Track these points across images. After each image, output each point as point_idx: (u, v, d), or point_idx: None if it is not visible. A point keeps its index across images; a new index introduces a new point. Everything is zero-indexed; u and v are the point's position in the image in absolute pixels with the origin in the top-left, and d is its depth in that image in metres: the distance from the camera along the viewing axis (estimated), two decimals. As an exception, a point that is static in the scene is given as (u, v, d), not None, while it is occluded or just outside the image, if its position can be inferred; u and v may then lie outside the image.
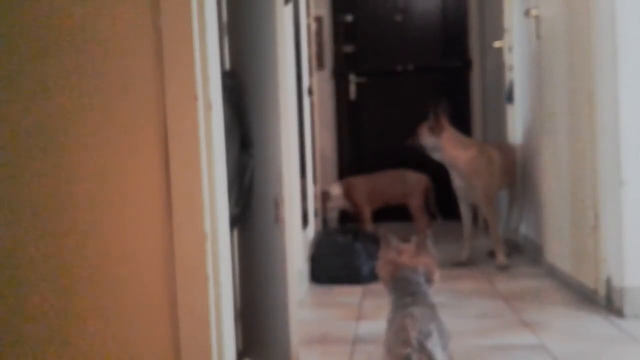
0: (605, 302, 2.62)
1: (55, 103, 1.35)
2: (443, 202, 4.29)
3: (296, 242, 2.74)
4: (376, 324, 2.45)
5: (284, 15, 2.18)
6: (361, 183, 4.32)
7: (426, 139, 3.58)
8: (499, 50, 4.30)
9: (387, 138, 5.23)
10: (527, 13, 3.48)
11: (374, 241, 3.41)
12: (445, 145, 3.57)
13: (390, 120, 5.24)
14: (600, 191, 2.62)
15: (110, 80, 1.34)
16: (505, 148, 3.89)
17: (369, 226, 4.18)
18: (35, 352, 1.37)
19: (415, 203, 4.22)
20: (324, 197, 4.29)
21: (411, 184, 4.25)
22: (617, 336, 2.32)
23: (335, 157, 5.29)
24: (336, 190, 4.30)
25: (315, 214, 4.04)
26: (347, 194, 4.28)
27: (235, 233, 1.98)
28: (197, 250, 1.33)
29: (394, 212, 4.33)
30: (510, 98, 4.07)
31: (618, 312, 2.52)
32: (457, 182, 3.62)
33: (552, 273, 3.27)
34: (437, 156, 3.62)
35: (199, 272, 1.33)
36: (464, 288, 3.15)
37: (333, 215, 4.96)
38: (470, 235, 3.73)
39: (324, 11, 5.08)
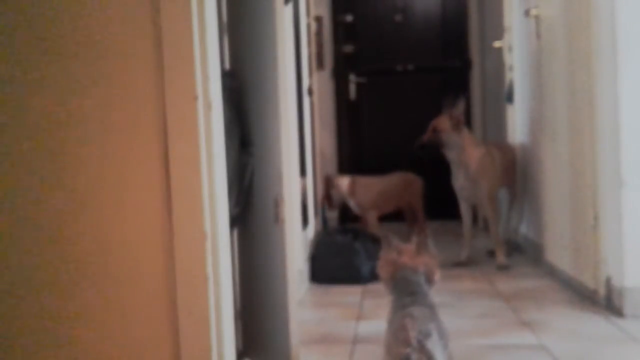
0: (605, 302, 2.62)
1: (54, 103, 1.35)
2: (443, 203, 4.29)
3: (296, 242, 2.74)
4: (376, 324, 2.45)
5: (284, 15, 2.18)
6: (369, 184, 4.14)
7: (449, 135, 3.52)
8: (499, 50, 4.30)
9: (387, 138, 5.24)
10: (527, 13, 3.48)
11: (374, 241, 3.41)
12: (465, 142, 3.55)
13: (390, 120, 5.25)
14: (600, 191, 2.62)
15: (110, 80, 1.34)
16: (504, 148, 3.89)
17: (374, 230, 3.99)
18: (34, 352, 1.37)
19: (419, 205, 4.20)
20: (327, 183, 4.10)
21: (415, 186, 4.22)
22: (617, 336, 2.32)
23: (335, 157, 5.30)
24: (344, 182, 4.10)
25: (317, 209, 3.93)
26: (352, 191, 4.10)
27: (235, 233, 1.98)
28: (197, 250, 1.33)
29: (394, 212, 4.33)
30: (510, 98, 4.08)
31: (618, 312, 2.52)
32: (461, 181, 3.61)
33: (552, 273, 3.27)
34: (451, 154, 3.56)
35: (199, 272, 1.33)
36: (464, 288, 3.15)
37: (333, 215, 4.96)
38: (470, 235, 3.72)
39: (324, 11, 5.08)
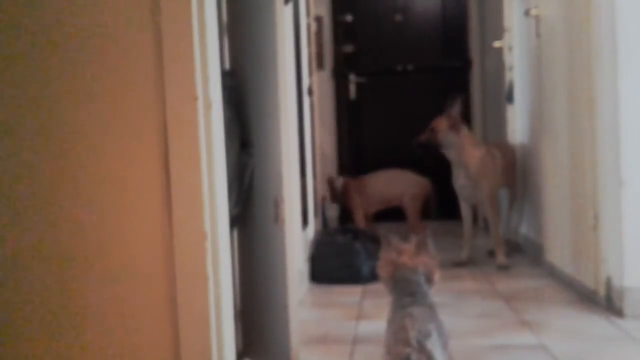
0: (605, 302, 2.62)
1: (55, 103, 1.35)
2: (442, 202, 4.29)
3: (296, 242, 2.74)
4: (376, 324, 2.45)
5: (284, 15, 2.18)
6: (353, 184, 4.31)
7: (446, 135, 3.53)
8: (499, 50, 4.30)
9: (387, 138, 5.24)
10: (527, 13, 3.48)
11: (374, 241, 3.41)
12: (464, 142, 3.55)
13: (390, 120, 5.25)
14: (600, 191, 2.62)
15: (110, 80, 1.34)
16: (505, 148, 3.89)
17: (361, 226, 4.17)
18: (34, 351, 1.37)
19: (410, 206, 4.19)
20: (330, 182, 4.36)
21: (409, 186, 4.22)
22: (617, 336, 2.32)
23: (335, 157, 5.30)
24: (339, 183, 4.36)
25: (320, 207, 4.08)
26: (342, 191, 4.32)
27: (235, 233, 1.98)
28: (197, 250, 1.33)
29: (394, 212, 4.33)
30: (510, 98, 4.07)
31: (618, 312, 2.52)
32: (462, 181, 3.61)
33: (552, 273, 3.27)
34: (451, 154, 3.57)
35: (199, 272, 1.33)
36: (464, 288, 3.15)
37: (333, 214, 4.96)
38: (470, 235, 3.72)
39: (324, 11, 5.08)
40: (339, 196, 4.38)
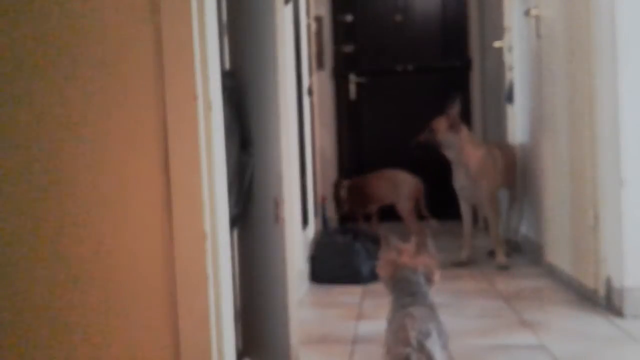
0: (605, 302, 2.62)
1: (55, 103, 1.35)
2: (443, 203, 4.29)
3: (296, 242, 2.74)
4: (376, 324, 2.45)
5: (284, 15, 2.18)
6: (347, 184, 4.40)
7: (445, 135, 3.54)
8: (499, 50, 4.30)
9: (387, 138, 5.24)
10: (527, 13, 3.48)
11: (374, 241, 3.41)
12: (464, 142, 3.55)
13: (390, 120, 5.24)
14: (600, 191, 2.62)
15: (110, 80, 1.34)
16: (505, 148, 3.90)
17: (361, 225, 4.24)
18: (34, 351, 1.37)
19: (402, 206, 4.19)
20: (337, 185, 4.44)
21: (399, 186, 4.21)
22: (617, 336, 2.32)
23: (335, 157, 5.30)
24: (345, 185, 4.45)
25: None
26: (348, 194, 4.37)
27: (235, 233, 1.98)
28: (197, 250, 1.33)
29: (394, 212, 4.32)
30: (510, 98, 4.08)
31: (618, 312, 2.52)
32: (462, 181, 3.61)
33: (552, 273, 3.27)
34: (451, 154, 3.58)
35: (199, 272, 1.33)
36: (464, 288, 3.15)
37: (333, 215, 4.96)
38: (470, 235, 3.72)
39: (324, 11, 5.08)
40: (345, 201, 4.41)
